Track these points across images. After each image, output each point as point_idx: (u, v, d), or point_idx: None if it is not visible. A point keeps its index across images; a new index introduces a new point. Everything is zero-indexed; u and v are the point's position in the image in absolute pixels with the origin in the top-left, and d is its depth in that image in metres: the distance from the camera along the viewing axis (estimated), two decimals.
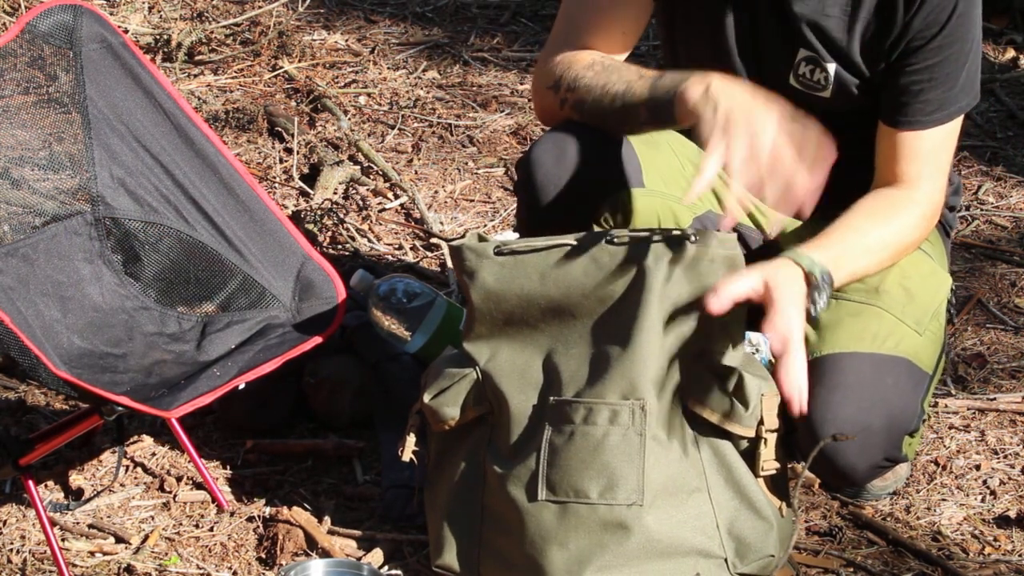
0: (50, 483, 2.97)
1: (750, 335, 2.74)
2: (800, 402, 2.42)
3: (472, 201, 4.07)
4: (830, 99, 2.75)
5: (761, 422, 2.49)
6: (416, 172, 4.20)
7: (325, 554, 2.70)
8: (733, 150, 2.40)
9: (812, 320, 2.58)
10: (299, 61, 4.77)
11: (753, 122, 2.40)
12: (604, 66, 2.66)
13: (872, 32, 2.68)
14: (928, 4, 2.63)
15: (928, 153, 2.71)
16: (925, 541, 2.75)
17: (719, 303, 2.40)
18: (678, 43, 2.85)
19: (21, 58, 2.86)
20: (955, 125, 2.73)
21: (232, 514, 2.87)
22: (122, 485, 2.97)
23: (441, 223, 3.93)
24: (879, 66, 2.70)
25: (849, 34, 2.69)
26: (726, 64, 2.76)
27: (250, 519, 2.84)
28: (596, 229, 2.68)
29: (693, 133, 2.50)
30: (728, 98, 2.44)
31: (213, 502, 2.90)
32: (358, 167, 4.16)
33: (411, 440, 2.61)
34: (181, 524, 2.86)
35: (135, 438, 3.10)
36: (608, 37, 2.74)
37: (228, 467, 3.02)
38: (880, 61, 2.70)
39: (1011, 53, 4.80)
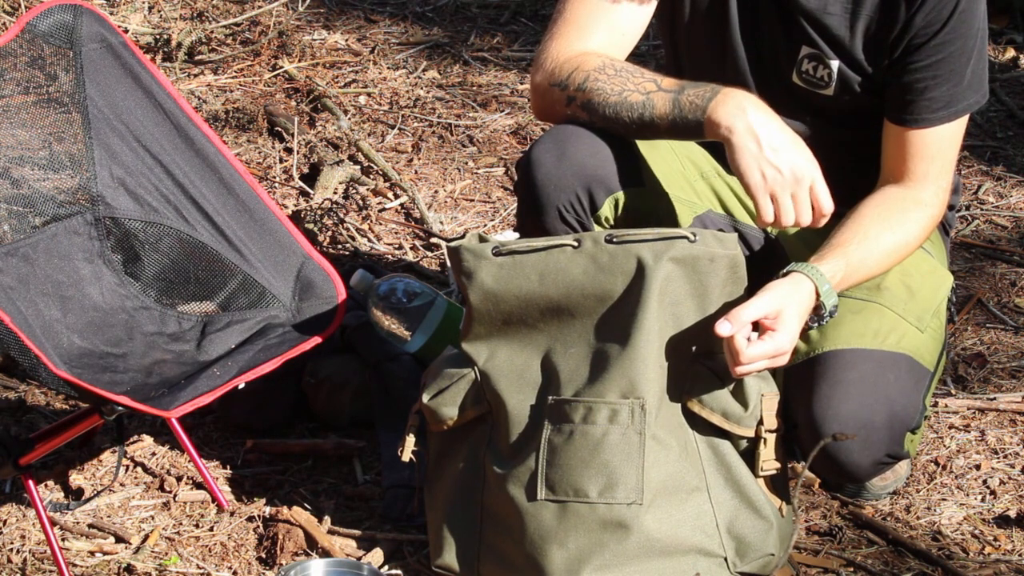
0: (50, 483, 2.97)
1: None
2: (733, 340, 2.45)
3: (472, 201, 4.07)
4: (833, 97, 2.75)
5: (761, 422, 2.49)
6: (416, 172, 4.20)
7: (325, 554, 2.70)
8: (783, 208, 2.54)
9: (803, 334, 2.60)
10: (299, 61, 4.77)
11: (798, 175, 2.54)
12: (616, 70, 2.65)
13: (874, 29, 2.68)
14: (930, 1, 2.63)
15: (935, 151, 2.71)
16: (925, 541, 2.75)
17: (731, 329, 2.41)
18: (680, 43, 2.84)
19: (21, 58, 2.86)
20: (961, 123, 2.73)
21: (232, 514, 2.86)
22: (122, 485, 2.97)
23: (441, 223, 3.93)
24: (882, 63, 2.70)
25: (851, 31, 2.69)
26: (729, 63, 2.76)
27: (250, 519, 2.84)
28: (596, 229, 2.68)
29: (728, 159, 2.54)
30: (768, 136, 2.53)
31: (213, 502, 2.90)
32: (358, 167, 4.16)
33: (411, 440, 2.61)
34: (181, 524, 2.86)
35: (135, 438, 3.10)
36: (607, 37, 2.73)
37: (228, 467, 3.02)
38: (883, 58, 2.70)
39: (1011, 53, 4.80)
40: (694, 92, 2.58)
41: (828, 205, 2.56)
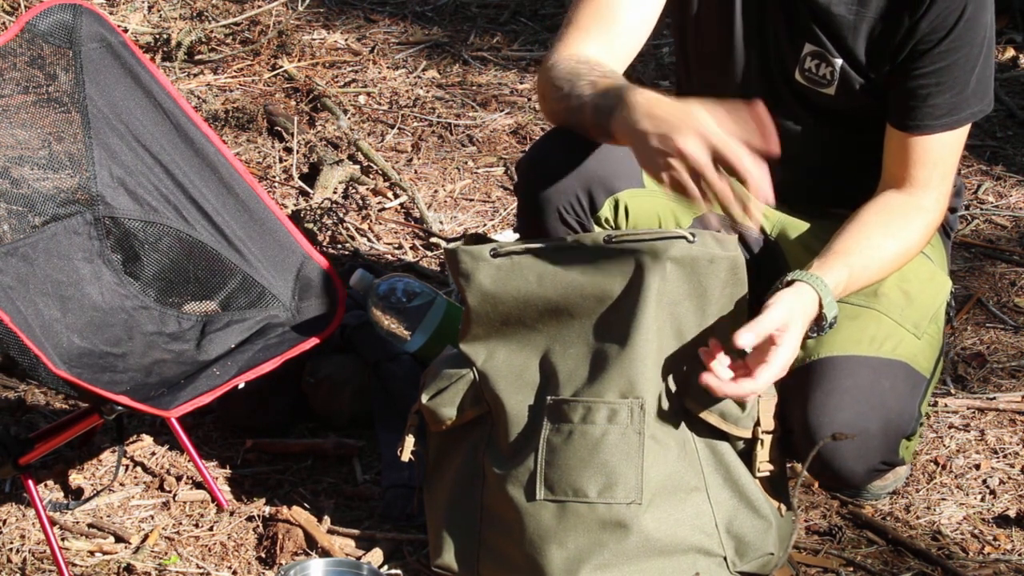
0: (50, 483, 2.97)
1: None
2: (730, 390, 2.41)
3: (472, 200, 4.07)
4: (834, 96, 2.75)
5: (758, 423, 2.49)
6: (416, 171, 4.20)
7: (325, 553, 2.70)
8: (689, 154, 2.31)
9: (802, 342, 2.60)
10: (299, 60, 4.77)
11: (687, 127, 2.32)
12: (577, 73, 2.55)
13: (879, 33, 2.68)
14: (935, 7, 2.62)
15: (937, 158, 2.70)
16: (925, 540, 2.75)
17: (753, 340, 2.40)
18: (688, 37, 2.84)
19: (21, 57, 2.86)
20: (964, 131, 2.72)
21: (232, 514, 2.87)
22: (122, 485, 2.98)
23: (441, 223, 3.93)
24: (884, 68, 2.70)
25: (855, 32, 2.69)
26: (733, 58, 2.75)
27: (250, 519, 2.84)
28: (596, 230, 2.68)
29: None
30: (645, 115, 2.36)
31: (213, 501, 2.90)
32: (358, 167, 4.16)
33: (410, 441, 2.61)
34: (181, 524, 2.86)
35: (135, 438, 3.10)
36: (608, 41, 2.72)
37: (228, 467, 3.02)
38: (885, 63, 2.69)
39: (1011, 53, 4.80)
40: (610, 95, 2.45)
41: (730, 151, 2.33)
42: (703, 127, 2.31)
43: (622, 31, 2.73)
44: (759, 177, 2.30)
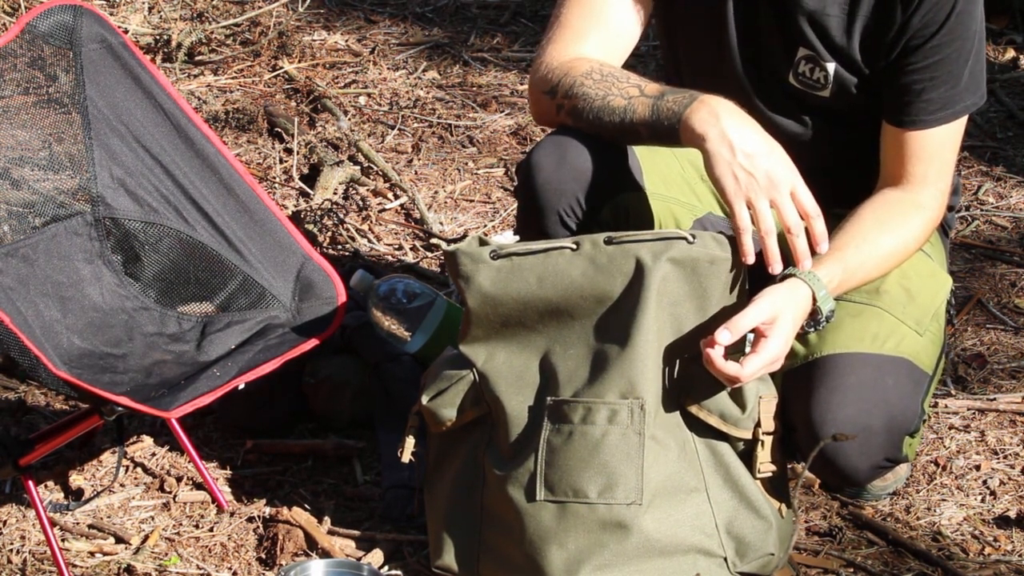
0: (50, 483, 2.97)
1: None
2: (720, 364, 2.44)
3: (472, 201, 4.07)
4: (830, 99, 2.75)
5: (758, 424, 2.49)
6: (416, 172, 4.20)
7: (325, 554, 2.70)
8: (760, 213, 2.48)
9: (801, 337, 2.60)
10: (299, 61, 4.77)
11: (774, 180, 2.48)
12: (603, 75, 2.64)
13: (871, 30, 2.68)
14: (927, 2, 2.63)
15: (933, 153, 2.71)
16: (925, 541, 2.75)
17: (731, 338, 2.41)
18: (679, 44, 2.84)
19: (21, 58, 2.86)
20: (960, 125, 2.73)
21: (232, 514, 2.87)
22: (122, 485, 2.98)
23: (441, 223, 3.93)
24: (879, 64, 2.70)
25: (848, 32, 2.69)
26: (725, 64, 2.76)
27: (250, 519, 2.84)
28: (595, 232, 2.68)
29: (704, 167, 2.52)
30: (742, 142, 2.48)
31: (213, 502, 2.90)
32: (358, 167, 4.16)
33: (410, 442, 2.61)
34: (181, 524, 2.86)
35: (135, 438, 3.10)
36: (602, 40, 2.72)
37: (228, 467, 3.02)
38: (879, 59, 2.70)
39: (1011, 53, 4.79)
40: (673, 98, 2.56)
41: (813, 208, 2.53)
42: (783, 197, 2.49)
43: (615, 31, 2.74)
44: (818, 236, 2.53)
